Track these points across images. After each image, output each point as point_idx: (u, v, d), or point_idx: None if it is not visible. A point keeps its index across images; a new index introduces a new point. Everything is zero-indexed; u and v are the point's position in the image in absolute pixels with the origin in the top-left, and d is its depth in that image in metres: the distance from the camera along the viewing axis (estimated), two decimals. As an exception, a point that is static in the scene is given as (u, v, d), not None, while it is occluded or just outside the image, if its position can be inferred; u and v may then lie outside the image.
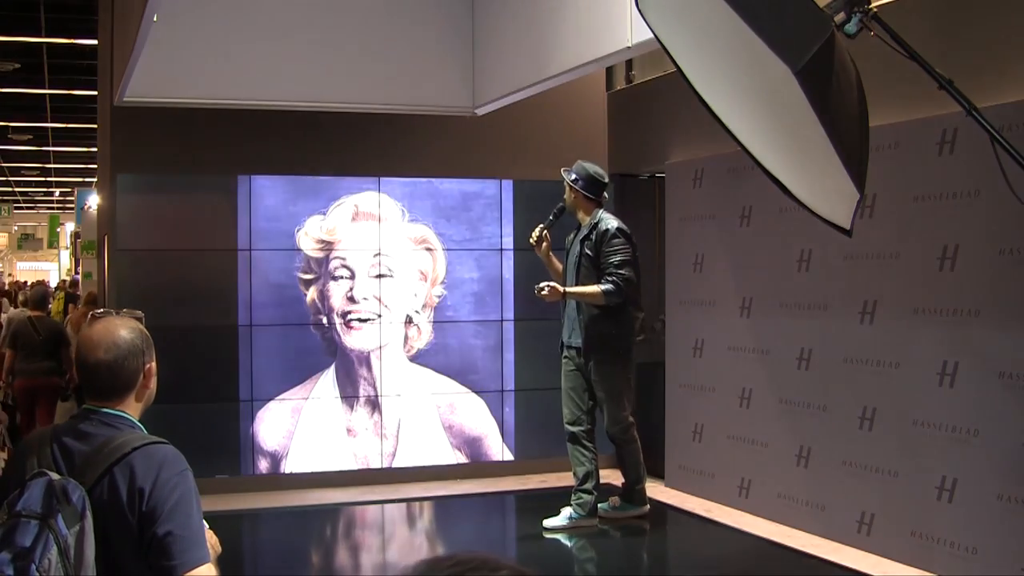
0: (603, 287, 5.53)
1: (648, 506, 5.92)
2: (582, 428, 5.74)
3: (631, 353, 5.75)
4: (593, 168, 5.81)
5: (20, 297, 15.26)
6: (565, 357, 5.84)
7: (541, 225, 5.83)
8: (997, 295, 4.60)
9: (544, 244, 5.82)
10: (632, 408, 5.82)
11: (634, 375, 5.92)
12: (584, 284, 5.62)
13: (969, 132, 4.44)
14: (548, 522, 5.68)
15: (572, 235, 5.88)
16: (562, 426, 5.80)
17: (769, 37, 2.33)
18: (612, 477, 6.22)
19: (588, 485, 5.69)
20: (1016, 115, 4.41)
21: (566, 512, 5.69)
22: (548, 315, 7.26)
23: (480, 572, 1.01)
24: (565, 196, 5.82)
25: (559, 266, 5.88)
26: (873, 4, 2.52)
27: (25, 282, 23.29)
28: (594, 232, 5.65)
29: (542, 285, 5.55)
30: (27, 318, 8.10)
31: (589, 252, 5.64)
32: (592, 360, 5.65)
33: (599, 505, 5.78)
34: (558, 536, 5.65)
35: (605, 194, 5.85)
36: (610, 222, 5.67)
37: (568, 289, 5.62)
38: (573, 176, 5.77)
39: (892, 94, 4.82)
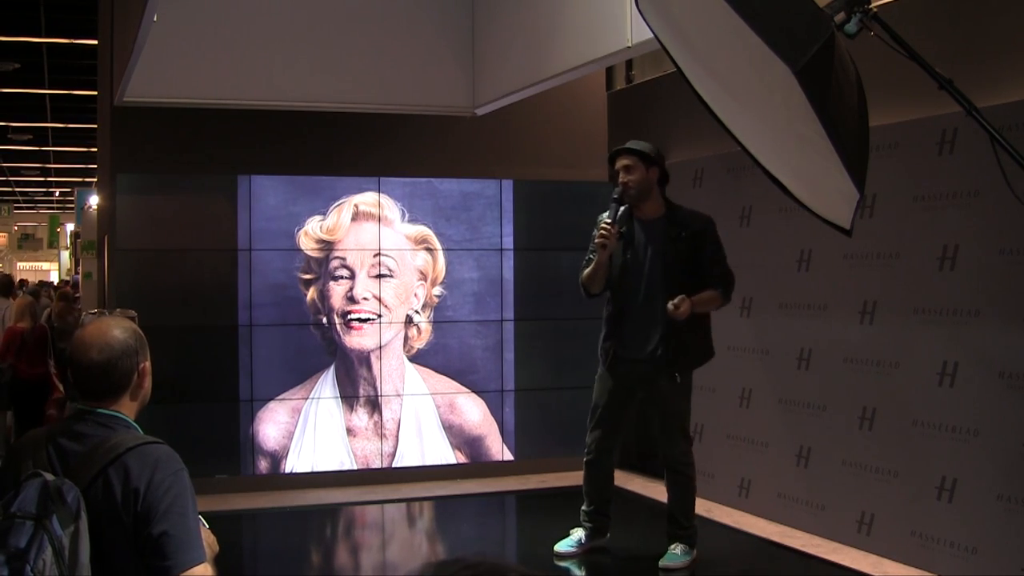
0: (720, 291, 4.82)
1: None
2: (614, 456, 5.16)
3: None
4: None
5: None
6: (621, 372, 4.94)
7: (608, 219, 4.68)
8: (997, 295, 4.59)
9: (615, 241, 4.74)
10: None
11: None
12: (678, 293, 4.66)
13: (969, 132, 4.43)
14: (560, 547, 5.22)
15: (623, 226, 4.80)
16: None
17: (769, 37, 2.32)
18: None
19: (608, 509, 5.24)
20: (1016, 115, 4.41)
21: (577, 534, 5.23)
22: (548, 315, 7.29)
23: None
24: (630, 180, 4.78)
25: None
26: (873, 4, 2.51)
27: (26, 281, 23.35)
28: (684, 230, 4.78)
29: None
30: None
31: (688, 253, 4.76)
32: (676, 375, 4.86)
33: (668, 560, 5.04)
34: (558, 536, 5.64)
35: None
36: (701, 213, 4.85)
37: (695, 298, 4.66)
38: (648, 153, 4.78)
39: (892, 94, 4.81)
